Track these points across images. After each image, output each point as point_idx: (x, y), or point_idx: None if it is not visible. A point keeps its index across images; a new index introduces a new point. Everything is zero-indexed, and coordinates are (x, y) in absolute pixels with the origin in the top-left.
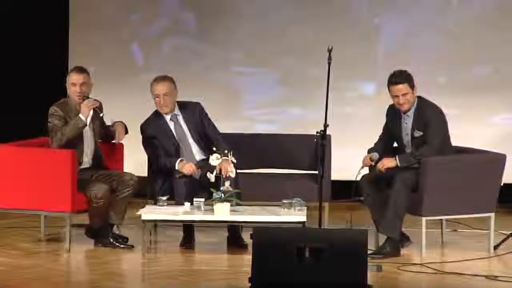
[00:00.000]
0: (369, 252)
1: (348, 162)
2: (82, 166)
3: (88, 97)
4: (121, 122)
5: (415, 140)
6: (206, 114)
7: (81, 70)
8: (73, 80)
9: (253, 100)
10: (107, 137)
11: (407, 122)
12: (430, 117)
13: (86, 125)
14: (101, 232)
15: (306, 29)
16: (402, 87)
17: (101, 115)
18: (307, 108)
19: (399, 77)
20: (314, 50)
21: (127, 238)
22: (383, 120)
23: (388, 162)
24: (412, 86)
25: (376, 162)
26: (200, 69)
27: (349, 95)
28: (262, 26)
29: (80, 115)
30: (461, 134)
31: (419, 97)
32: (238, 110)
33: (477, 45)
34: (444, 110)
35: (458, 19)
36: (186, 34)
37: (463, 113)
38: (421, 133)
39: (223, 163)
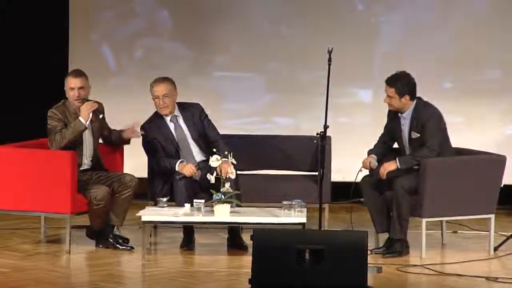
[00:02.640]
0: (378, 251)
1: (348, 164)
2: (82, 168)
3: (87, 100)
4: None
5: (413, 141)
6: (206, 115)
7: (78, 73)
8: (71, 84)
9: (236, 108)
10: (111, 140)
11: (404, 124)
12: (426, 119)
13: (86, 128)
14: (101, 233)
15: (295, 30)
16: (388, 89)
17: (100, 116)
18: (297, 117)
19: (390, 79)
20: (305, 53)
21: (127, 239)
22: (382, 122)
23: (389, 166)
24: (400, 93)
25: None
26: (177, 74)
27: (347, 98)
28: (247, 26)
29: (80, 118)
30: (464, 140)
31: (418, 98)
32: (219, 119)
33: (483, 48)
34: (449, 117)
35: (463, 20)
36: (162, 35)
37: (468, 119)
38: (418, 135)
39: (223, 164)
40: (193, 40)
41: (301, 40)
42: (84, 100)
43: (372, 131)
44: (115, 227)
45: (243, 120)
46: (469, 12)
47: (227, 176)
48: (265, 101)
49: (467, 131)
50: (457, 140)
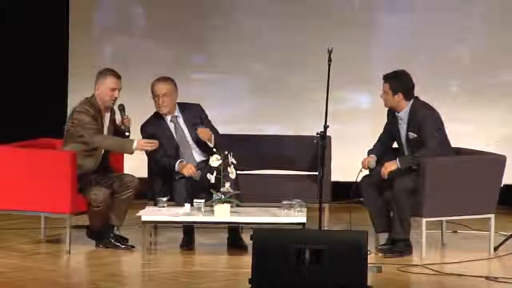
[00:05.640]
0: (383, 247)
1: (348, 163)
2: (93, 169)
3: (124, 111)
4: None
5: (410, 142)
6: (206, 115)
7: (119, 75)
8: (113, 84)
9: (217, 115)
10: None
11: (401, 124)
12: (423, 120)
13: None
14: (101, 233)
15: (284, 28)
16: (384, 84)
17: (126, 134)
18: (285, 125)
19: (387, 75)
20: (294, 54)
21: (127, 239)
22: (382, 120)
23: (390, 166)
24: (394, 90)
25: (374, 168)
26: (150, 75)
27: (342, 103)
28: (230, 23)
29: (134, 146)
30: (466, 141)
31: (415, 98)
32: None
33: (486, 49)
34: (456, 123)
35: (466, 21)
36: (134, 32)
37: (477, 125)
38: (415, 135)
39: (202, 129)
40: (168, 38)
41: (289, 39)
42: (127, 121)
43: (373, 132)
44: (115, 227)
45: (223, 127)
46: (472, 12)
47: (209, 138)
48: (248, 107)
49: (468, 132)
50: (459, 141)
